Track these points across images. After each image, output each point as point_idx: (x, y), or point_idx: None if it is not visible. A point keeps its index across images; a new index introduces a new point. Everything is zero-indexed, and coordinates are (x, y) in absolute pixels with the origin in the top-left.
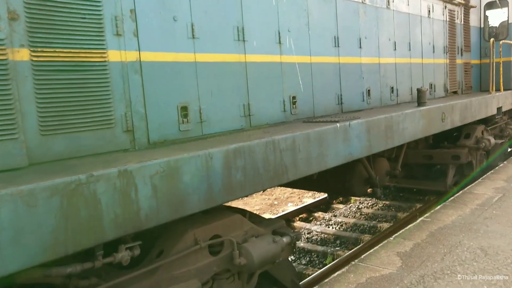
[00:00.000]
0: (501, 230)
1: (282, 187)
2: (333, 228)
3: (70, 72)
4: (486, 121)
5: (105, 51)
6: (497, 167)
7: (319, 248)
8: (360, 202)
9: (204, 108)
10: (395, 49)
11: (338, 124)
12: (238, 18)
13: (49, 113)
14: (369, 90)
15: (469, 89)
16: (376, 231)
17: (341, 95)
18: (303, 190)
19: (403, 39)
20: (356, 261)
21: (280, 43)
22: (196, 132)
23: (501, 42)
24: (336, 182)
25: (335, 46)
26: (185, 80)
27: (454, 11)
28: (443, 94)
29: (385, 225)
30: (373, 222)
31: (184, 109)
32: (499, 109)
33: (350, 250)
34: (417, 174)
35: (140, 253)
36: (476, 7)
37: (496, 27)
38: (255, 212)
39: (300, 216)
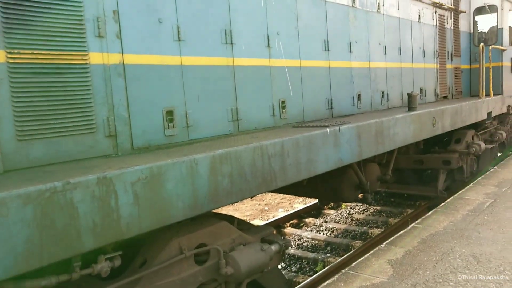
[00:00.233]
0: (492, 237)
1: (272, 193)
2: (324, 234)
3: (49, 75)
4: (476, 126)
5: (86, 53)
6: (487, 172)
7: (310, 254)
8: (351, 208)
9: (190, 112)
10: (385, 53)
11: (328, 129)
12: (226, 21)
13: (27, 117)
14: (359, 95)
15: (459, 94)
16: (367, 237)
17: (331, 99)
18: (294, 196)
19: (394, 44)
20: (346, 269)
21: (269, 46)
22: (182, 137)
23: (490, 47)
24: (326, 188)
25: (325, 50)
26: (170, 84)
27: (444, 16)
28: (434, 99)
29: (376, 231)
30: (364, 228)
31: (170, 113)
32: (489, 114)
33: (341, 256)
34: (408, 179)
35: (122, 262)
36: (465, 12)
37: (485, 32)
38: (245, 217)
39: (291, 222)
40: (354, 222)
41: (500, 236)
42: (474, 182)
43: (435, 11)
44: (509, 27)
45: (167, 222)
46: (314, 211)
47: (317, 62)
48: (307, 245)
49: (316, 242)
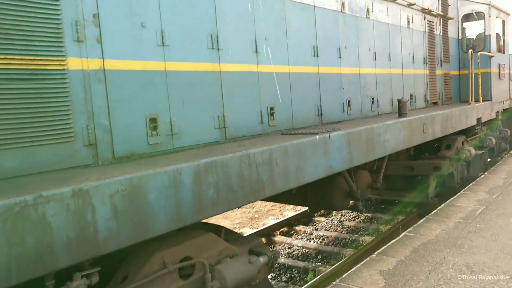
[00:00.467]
0: (485, 245)
1: (262, 200)
2: (314, 242)
3: (24, 81)
4: (466, 132)
5: (64, 59)
6: (478, 178)
7: (300, 264)
8: (342, 215)
9: (175, 120)
10: (375, 59)
11: (317, 136)
12: (212, 25)
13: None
14: (349, 101)
15: (449, 100)
16: (359, 244)
17: (320, 106)
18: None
19: (383, 50)
20: (337, 280)
21: (257, 52)
22: (167, 146)
23: (479, 53)
24: (316, 196)
25: (314, 55)
26: (154, 90)
27: (433, 22)
28: (424, 105)
29: (368, 239)
30: (355, 235)
31: (153, 121)
32: (478, 119)
33: (332, 265)
34: (398, 186)
35: (103, 277)
36: (454, 18)
37: (473, 39)
38: (235, 225)
39: (281, 230)
40: (345, 229)
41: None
42: (465, 188)
43: (424, 17)
44: (496, 34)
45: (149, 236)
46: (305, 219)
47: (306, 68)
48: (298, 253)
49: (307, 250)
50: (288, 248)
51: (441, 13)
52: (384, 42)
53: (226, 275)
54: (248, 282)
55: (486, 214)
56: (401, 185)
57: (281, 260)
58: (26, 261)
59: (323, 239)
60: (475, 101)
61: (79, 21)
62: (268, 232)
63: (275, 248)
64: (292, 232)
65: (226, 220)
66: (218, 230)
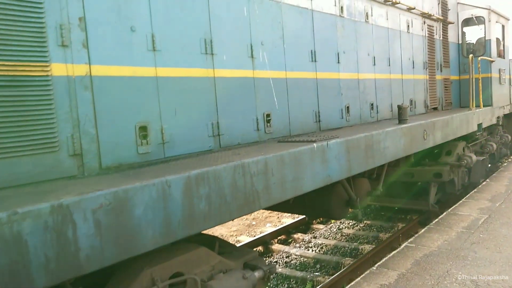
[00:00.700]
0: (490, 257)
1: None
2: (313, 251)
3: (4, 88)
4: (466, 138)
5: (47, 64)
6: (480, 185)
7: (298, 273)
8: (340, 222)
9: (166, 127)
10: (374, 64)
11: (315, 144)
12: (206, 29)
13: None
14: (348, 107)
15: (449, 105)
16: (358, 253)
17: (318, 112)
18: None
19: (383, 54)
20: None
21: (252, 57)
22: (158, 155)
23: (479, 58)
24: (314, 205)
25: (312, 60)
26: (144, 97)
27: (433, 26)
28: (424, 111)
29: (367, 247)
30: (355, 244)
31: (143, 129)
32: (479, 125)
33: (331, 275)
34: (398, 193)
35: None
36: (454, 23)
37: (473, 43)
38: (232, 233)
39: (279, 238)
40: (344, 237)
41: (498, 256)
42: (467, 196)
43: (424, 22)
44: (496, 38)
45: (135, 252)
46: (303, 226)
47: (303, 73)
48: (295, 263)
49: (305, 259)
50: (286, 257)
51: (441, 18)
52: (384, 47)
53: None
54: None
55: (490, 223)
56: (402, 192)
57: (279, 269)
58: None
59: (322, 248)
60: (475, 106)
61: (64, 24)
62: (266, 240)
63: (272, 258)
64: (290, 240)
65: (223, 228)
66: (212, 241)
